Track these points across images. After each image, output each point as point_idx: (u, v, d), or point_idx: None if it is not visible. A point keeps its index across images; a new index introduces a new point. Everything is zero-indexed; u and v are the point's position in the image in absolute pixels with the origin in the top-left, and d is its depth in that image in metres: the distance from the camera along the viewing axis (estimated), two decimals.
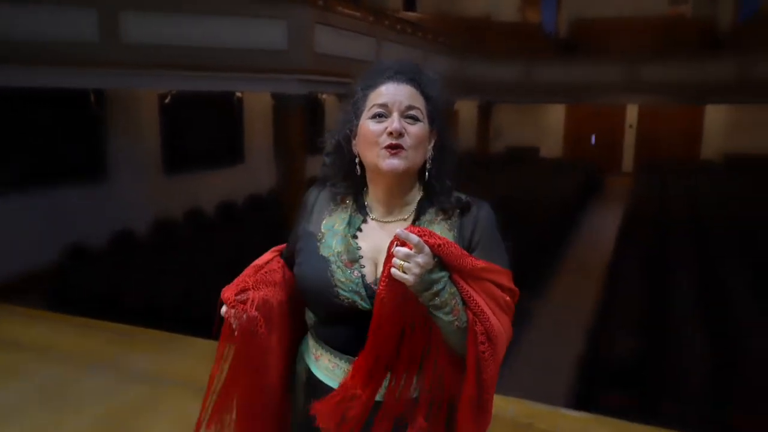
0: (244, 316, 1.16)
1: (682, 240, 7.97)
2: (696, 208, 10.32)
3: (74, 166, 7.80)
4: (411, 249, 1.05)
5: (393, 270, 1.06)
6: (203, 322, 4.72)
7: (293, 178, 7.85)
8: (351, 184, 1.28)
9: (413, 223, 1.21)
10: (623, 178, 16.75)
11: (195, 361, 3.37)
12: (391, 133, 1.16)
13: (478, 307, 1.12)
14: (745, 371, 4.36)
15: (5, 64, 6.07)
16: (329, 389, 1.19)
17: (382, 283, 1.08)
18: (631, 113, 18.18)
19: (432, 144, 1.24)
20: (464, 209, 1.24)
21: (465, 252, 1.15)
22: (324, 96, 12.05)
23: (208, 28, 6.92)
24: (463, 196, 1.25)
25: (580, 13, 18.28)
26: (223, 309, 1.17)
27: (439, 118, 1.25)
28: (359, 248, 1.21)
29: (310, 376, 1.26)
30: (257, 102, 10.81)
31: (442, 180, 1.24)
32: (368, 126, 1.19)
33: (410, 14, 13.43)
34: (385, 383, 1.16)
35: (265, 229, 8.19)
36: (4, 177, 6.91)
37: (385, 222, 1.25)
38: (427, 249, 1.06)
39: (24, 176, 7.13)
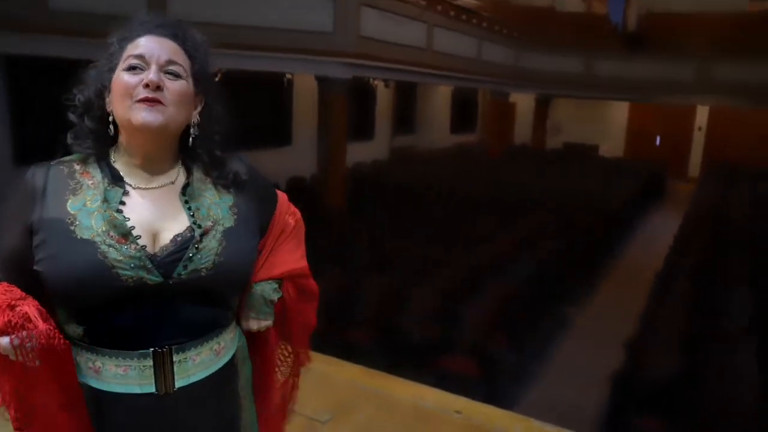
0: (32, 335, 0.97)
1: (743, 255, 7.40)
2: (764, 222, 9.61)
3: None
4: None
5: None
6: None
7: (334, 163, 7.72)
8: (99, 146, 1.11)
9: (184, 188, 1.12)
10: (689, 183, 15.90)
11: None
12: (147, 85, 1.03)
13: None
14: None
15: None
16: (129, 397, 1.05)
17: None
18: (702, 115, 17.23)
19: (199, 110, 1.13)
20: (238, 182, 1.19)
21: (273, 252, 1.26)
22: (376, 82, 11.85)
23: (257, 7, 6.82)
24: (228, 161, 1.19)
25: (650, 6, 17.40)
26: (5, 341, 0.96)
27: (207, 82, 1.14)
28: (128, 220, 1.05)
29: (96, 393, 1.07)
30: (307, 84, 10.72)
31: (211, 150, 1.15)
32: (122, 78, 1.05)
33: (468, 1, 13.03)
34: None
35: (302, 211, 8.07)
36: None
37: (151, 188, 1.11)
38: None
39: None
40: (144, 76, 1.04)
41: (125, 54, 1.07)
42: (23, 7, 5.82)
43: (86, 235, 1.02)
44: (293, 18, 6.81)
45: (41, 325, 0.98)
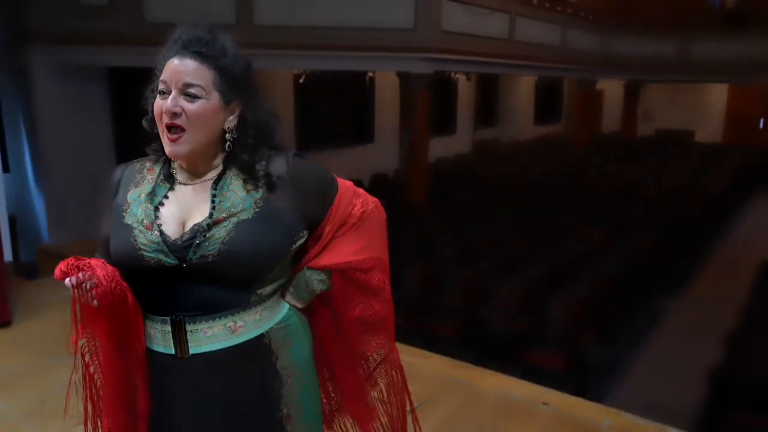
0: (88, 275, 1.13)
1: None
2: None
3: None
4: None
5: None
6: None
7: (416, 158, 7.77)
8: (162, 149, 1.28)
9: (216, 182, 1.25)
10: None
11: None
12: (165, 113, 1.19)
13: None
14: None
15: None
16: (158, 354, 1.24)
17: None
18: None
19: (235, 115, 1.24)
20: (270, 182, 1.25)
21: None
22: (457, 75, 11.80)
23: (339, 7, 6.97)
24: (264, 163, 1.26)
25: None
26: (67, 281, 1.12)
27: (239, 88, 1.23)
28: (156, 209, 1.23)
29: (147, 349, 1.28)
30: (388, 81, 10.83)
31: (247, 152, 1.25)
32: (156, 102, 1.21)
33: None
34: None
35: (386, 207, 8.17)
36: None
37: (192, 184, 1.27)
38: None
39: None
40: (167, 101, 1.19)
41: (160, 77, 1.21)
42: (123, 22, 6.26)
43: (129, 221, 1.23)
44: (375, 16, 6.91)
45: (99, 272, 1.14)
